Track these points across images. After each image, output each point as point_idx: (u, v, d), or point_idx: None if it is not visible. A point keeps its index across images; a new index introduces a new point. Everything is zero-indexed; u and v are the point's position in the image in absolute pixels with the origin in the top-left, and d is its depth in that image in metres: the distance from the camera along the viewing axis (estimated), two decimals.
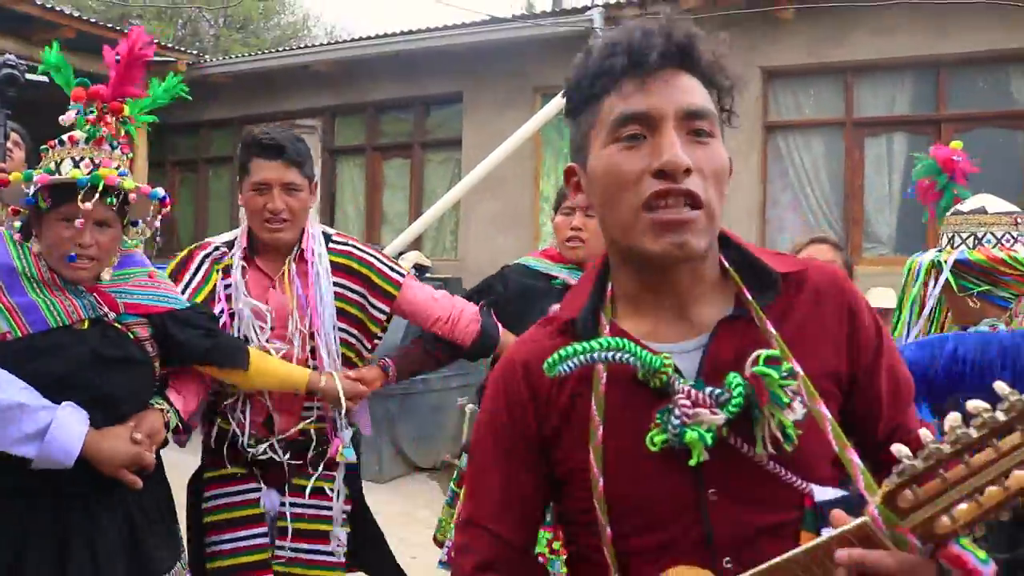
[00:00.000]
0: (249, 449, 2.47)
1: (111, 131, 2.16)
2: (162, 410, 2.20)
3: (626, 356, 1.08)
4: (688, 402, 1.06)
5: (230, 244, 2.58)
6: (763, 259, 1.20)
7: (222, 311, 2.47)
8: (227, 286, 2.49)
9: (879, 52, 7.31)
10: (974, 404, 0.86)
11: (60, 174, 2.05)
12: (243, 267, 2.52)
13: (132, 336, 2.17)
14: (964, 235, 2.54)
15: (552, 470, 1.22)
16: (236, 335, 2.45)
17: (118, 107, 2.18)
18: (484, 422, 1.28)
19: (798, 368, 1.08)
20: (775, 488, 1.10)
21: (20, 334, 2.02)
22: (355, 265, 2.57)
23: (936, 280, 2.57)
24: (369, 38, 9.70)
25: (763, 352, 1.08)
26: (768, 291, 1.17)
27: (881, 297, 5.54)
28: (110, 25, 9.95)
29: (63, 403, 2.00)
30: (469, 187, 6.09)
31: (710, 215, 1.09)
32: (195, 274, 2.50)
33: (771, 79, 7.87)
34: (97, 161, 2.09)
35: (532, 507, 1.26)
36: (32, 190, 2.03)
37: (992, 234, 2.49)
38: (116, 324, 2.15)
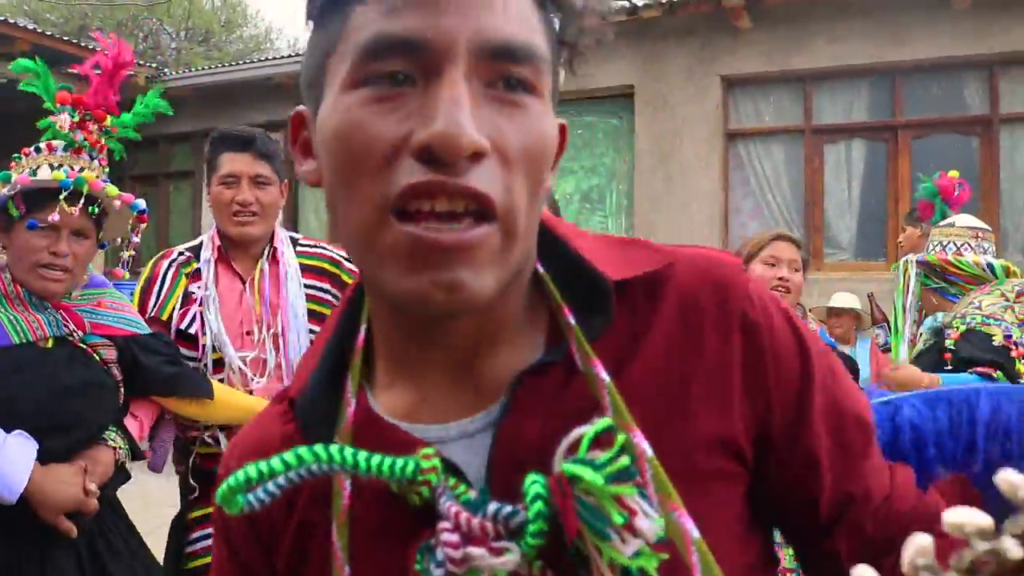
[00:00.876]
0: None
1: (92, 141, 2.08)
2: (115, 448, 2.08)
3: (342, 468, 0.63)
4: (454, 537, 0.61)
5: (194, 249, 2.53)
6: (592, 260, 0.72)
7: (193, 317, 2.40)
8: (192, 293, 2.44)
9: (836, 60, 7.42)
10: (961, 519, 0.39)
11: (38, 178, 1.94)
12: (214, 271, 2.46)
13: (98, 358, 2.08)
14: (935, 243, 3.20)
15: None
16: (208, 343, 2.39)
17: (102, 115, 2.11)
18: (212, 556, 0.84)
19: (644, 445, 0.62)
20: None
21: None
22: (325, 265, 2.54)
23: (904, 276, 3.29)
24: None
25: (586, 429, 0.61)
26: (599, 312, 0.70)
27: (843, 300, 5.62)
28: (67, 38, 9.83)
29: (13, 432, 1.88)
30: None
31: (510, 232, 0.63)
32: (163, 284, 2.45)
33: (731, 87, 7.95)
34: (77, 168, 2.00)
35: None
36: (10, 192, 1.91)
37: (954, 243, 3.13)
38: (82, 344, 2.05)
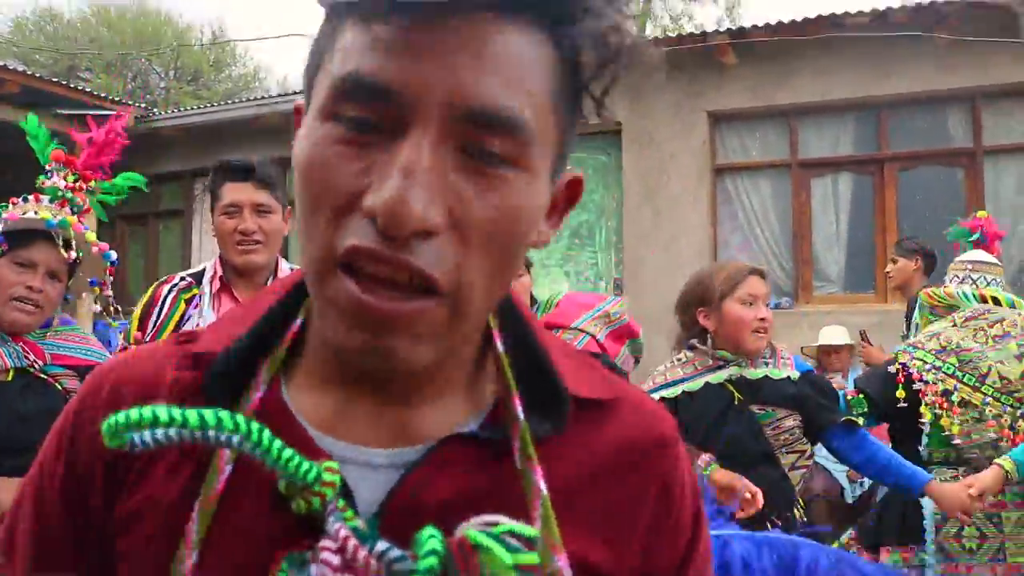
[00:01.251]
0: None
1: (81, 198, 2.29)
2: None
3: (253, 448, 0.59)
4: (336, 559, 0.58)
5: (197, 276, 2.55)
6: (558, 366, 0.71)
7: None
8: (189, 318, 2.46)
9: (821, 94, 7.50)
10: None
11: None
12: (215, 297, 2.48)
13: (60, 387, 2.16)
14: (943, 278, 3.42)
15: None
16: None
17: (89, 177, 2.31)
18: (34, 470, 0.80)
19: (564, 566, 0.61)
20: None
21: None
22: None
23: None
24: None
25: (503, 522, 0.58)
26: (549, 418, 0.69)
27: (832, 335, 5.64)
28: (55, 79, 9.86)
29: None
30: None
31: (459, 309, 0.60)
32: (161, 308, 2.47)
33: (717, 123, 8.02)
34: (60, 218, 2.18)
35: None
36: (0, 228, 2.09)
37: (946, 277, 3.35)
38: (42, 375, 2.16)
